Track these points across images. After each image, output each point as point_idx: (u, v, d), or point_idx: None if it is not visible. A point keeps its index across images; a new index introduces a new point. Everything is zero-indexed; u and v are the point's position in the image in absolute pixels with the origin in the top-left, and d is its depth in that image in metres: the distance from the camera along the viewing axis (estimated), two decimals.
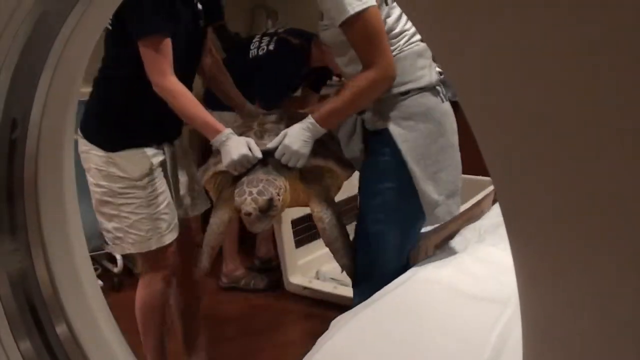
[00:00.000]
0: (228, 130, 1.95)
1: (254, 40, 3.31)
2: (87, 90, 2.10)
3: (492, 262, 2.04)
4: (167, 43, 1.94)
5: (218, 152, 1.99)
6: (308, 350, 1.70)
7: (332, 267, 3.36)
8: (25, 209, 1.42)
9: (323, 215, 2.00)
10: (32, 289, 1.43)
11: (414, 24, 1.17)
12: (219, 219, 2.03)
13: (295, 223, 3.35)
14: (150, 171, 2.11)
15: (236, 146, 1.90)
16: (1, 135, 1.35)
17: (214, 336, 2.83)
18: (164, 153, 2.19)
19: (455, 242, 2.31)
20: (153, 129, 2.15)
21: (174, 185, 2.27)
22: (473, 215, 2.68)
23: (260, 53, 3.24)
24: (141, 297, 2.23)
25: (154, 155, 2.14)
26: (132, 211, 2.09)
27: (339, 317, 1.84)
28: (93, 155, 2.07)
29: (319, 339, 1.75)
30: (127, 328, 1.87)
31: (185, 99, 1.98)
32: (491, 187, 3.61)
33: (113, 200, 2.08)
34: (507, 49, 0.61)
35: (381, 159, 1.91)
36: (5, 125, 1.35)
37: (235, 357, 2.84)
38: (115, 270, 3.34)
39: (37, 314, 1.42)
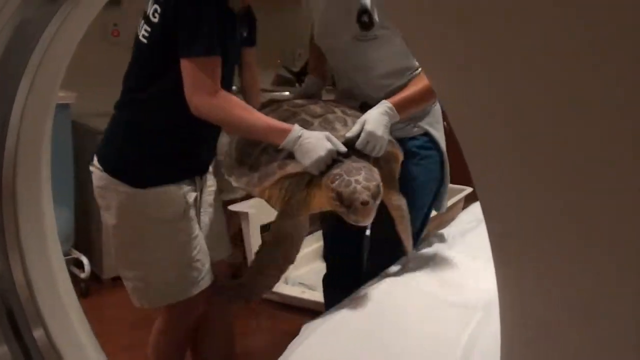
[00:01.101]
0: (297, 127, 1.77)
1: None
2: (63, 94, 1.99)
3: (460, 268, 2.10)
4: (219, 64, 1.76)
5: (275, 151, 1.80)
6: (278, 356, 1.72)
7: (301, 272, 3.41)
8: (3, 212, 1.44)
9: (400, 203, 1.95)
10: (9, 293, 1.45)
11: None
12: (298, 227, 1.84)
13: (263, 229, 3.38)
14: (185, 211, 1.87)
15: (318, 142, 1.74)
16: None
17: None
18: (196, 189, 1.94)
19: (423, 246, 2.37)
20: (190, 159, 1.93)
21: (215, 229, 2.04)
22: (444, 220, 2.76)
23: None
24: (157, 342, 2.01)
25: (188, 192, 1.89)
26: (161, 257, 1.84)
27: (311, 322, 1.85)
28: (116, 192, 1.80)
29: (291, 343, 1.76)
30: (96, 333, 1.78)
31: (240, 108, 1.77)
32: (462, 195, 3.72)
33: (138, 244, 1.84)
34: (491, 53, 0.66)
35: (429, 160, 2.12)
36: None
37: None
38: (82, 276, 3.33)
39: (14, 318, 1.44)
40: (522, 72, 0.63)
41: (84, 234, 3.44)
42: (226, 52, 1.78)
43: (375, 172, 1.72)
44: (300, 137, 1.74)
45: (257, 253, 1.85)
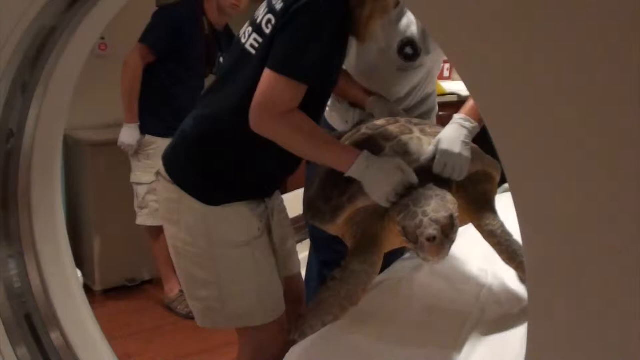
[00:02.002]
0: (366, 154, 1.61)
1: None
2: None
3: (449, 271, 2.08)
4: (304, 91, 1.58)
5: (346, 182, 1.66)
6: None
7: None
8: (19, 217, 1.47)
9: (493, 228, 1.70)
10: (26, 297, 1.48)
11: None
12: (368, 265, 1.64)
13: None
14: (258, 232, 1.75)
15: (386, 172, 1.59)
16: None
17: None
18: (267, 208, 1.81)
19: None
20: (268, 177, 1.80)
21: (281, 247, 1.91)
22: None
23: None
24: None
25: (261, 213, 1.77)
26: (235, 280, 1.70)
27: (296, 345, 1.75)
28: (187, 207, 1.68)
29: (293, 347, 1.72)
30: None
31: (310, 130, 1.62)
32: None
33: (210, 264, 1.69)
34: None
35: None
36: (1, 136, 1.40)
37: None
38: None
39: (32, 321, 1.47)
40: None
41: (76, 245, 3.45)
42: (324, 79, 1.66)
43: (450, 201, 1.53)
44: (367, 166, 1.60)
45: (322, 288, 1.70)
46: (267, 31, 1.59)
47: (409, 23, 2.00)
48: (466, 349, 1.60)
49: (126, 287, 3.85)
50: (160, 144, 3.14)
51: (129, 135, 3.15)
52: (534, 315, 0.87)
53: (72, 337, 1.50)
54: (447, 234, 1.46)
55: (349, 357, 1.63)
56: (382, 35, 1.98)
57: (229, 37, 3.41)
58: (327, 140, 1.63)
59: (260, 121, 1.55)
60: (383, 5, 1.59)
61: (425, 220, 1.45)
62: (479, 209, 1.70)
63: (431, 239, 1.43)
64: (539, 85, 0.75)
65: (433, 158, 1.63)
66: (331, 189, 1.69)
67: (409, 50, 1.98)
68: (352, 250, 1.68)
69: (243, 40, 1.65)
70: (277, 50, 1.56)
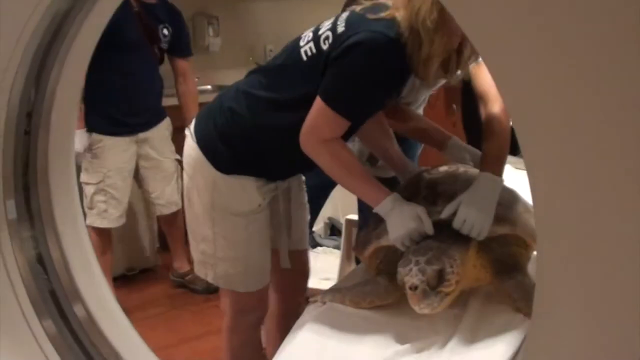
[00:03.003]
0: (394, 196, 1.72)
1: None
2: None
3: None
4: (347, 125, 1.72)
5: (379, 220, 1.76)
6: None
7: None
8: (40, 198, 1.55)
9: (510, 291, 1.69)
10: (49, 273, 1.56)
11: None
12: (376, 296, 1.76)
13: None
14: (258, 209, 1.90)
15: (404, 218, 1.68)
16: (17, 129, 1.48)
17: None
18: (276, 188, 1.96)
19: None
20: (279, 167, 1.93)
21: (285, 221, 2.07)
22: None
23: None
24: (230, 342, 2.06)
25: (266, 191, 1.91)
26: (226, 245, 1.87)
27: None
28: (201, 167, 1.84)
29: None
30: None
31: (345, 161, 1.75)
32: None
33: (209, 223, 1.87)
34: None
35: None
36: (20, 119, 1.48)
37: None
38: None
39: (56, 296, 1.55)
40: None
41: None
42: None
43: (450, 256, 1.58)
44: (392, 208, 1.69)
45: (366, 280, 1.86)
46: (323, 47, 1.70)
47: None
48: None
49: (126, 276, 3.94)
50: (107, 143, 3.11)
51: (77, 142, 2.85)
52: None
53: (93, 309, 1.58)
54: (433, 286, 1.53)
55: (360, 324, 1.78)
56: None
57: (165, 4, 3.34)
58: (362, 174, 1.74)
59: (306, 142, 1.69)
60: (441, 47, 1.64)
61: (414, 269, 1.53)
62: (502, 269, 1.70)
63: (412, 287, 1.51)
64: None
65: (455, 213, 1.65)
66: (374, 222, 1.80)
67: None
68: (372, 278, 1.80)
69: (301, 43, 1.76)
70: (329, 81, 1.67)
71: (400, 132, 2.16)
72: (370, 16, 1.67)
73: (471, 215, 1.63)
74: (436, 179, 1.86)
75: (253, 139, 1.84)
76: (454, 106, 2.55)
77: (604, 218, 0.85)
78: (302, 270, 2.19)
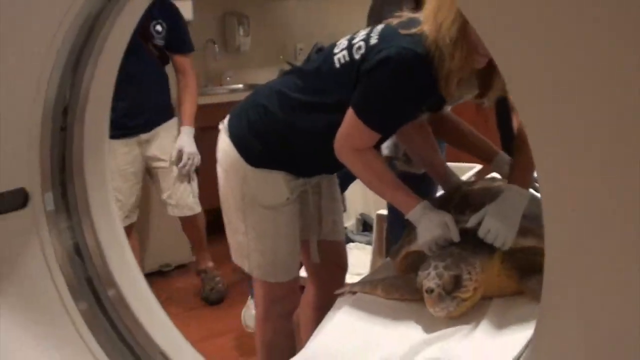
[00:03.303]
0: (424, 204, 1.81)
1: None
2: None
3: None
4: (378, 137, 1.82)
5: (413, 229, 1.85)
6: None
7: None
8: (76, 190, 1.65)
9: (537, 289, 1.69)
10: (85, 260, 1.66)
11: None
12: (407, 290, 1.86)
13: None
14: (287, 202, 1.98)
15: (432, 224, 1.76)
16: (54, 125, 1.58)
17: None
18: (305, 183, 2.05)
19: None
20: (309, 164, 2.02)
21: (315, 213, 2.16)
22: None
23: None
24: (262, 331, 2.17)
25: (295, 186, 2.00)
26: (255, 237, 1.99)
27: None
28: (233, 160, 1.96)
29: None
30: None
31: (376, 170, 1.84)
32: (473, 171, 3.92)
33: (240, 215, 1.98)
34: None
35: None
36: (57, 116, 1.58)
37: None
38: None
39: (92, 281, 1.66)
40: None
41: None
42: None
43: (469, 263, 1.66)
44: (422, 215, 1.78)
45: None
46: (356, 56, 1.79)
47: None
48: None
49: (161, 272, 4.06)
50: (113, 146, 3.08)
51: None
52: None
53: (127, 294, 1.68)
54: (449, 290, 1.62)
55: (390, 313, 1.86)
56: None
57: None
58: (393, 183, 1.84)
59: (340, 149, 1.80)
60: (460, 63, 1.69)
61: (432, 273, 1.63)
62: (526, 273, 1.73)
63: (428, 290, 1.61)
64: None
65: (480, 222, 1.73)
66: (408, 230, 1.92)
67: None
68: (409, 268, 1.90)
69: (335, 50, 1.86)
70: (361, 93, 1.77)
71: (448, 142, 2.27)
72: (403, 31, 1.74)
73: (495, 226, 1.69)
74: (470, 190, 1.96)
75: (284, 137, 1.94)
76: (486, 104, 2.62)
77: (612, 213, 0.89)
78: (337, 262, 2.30)
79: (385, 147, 2.58)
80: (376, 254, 3.12)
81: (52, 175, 1.61)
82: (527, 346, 1.32)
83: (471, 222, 1.75)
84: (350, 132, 1.80)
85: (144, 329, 1.68)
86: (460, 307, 1.67)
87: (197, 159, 3.39)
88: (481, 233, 1.71)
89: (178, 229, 3.78)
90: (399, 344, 1.70)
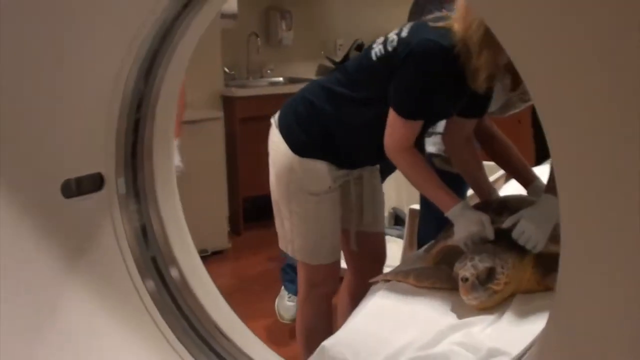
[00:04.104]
0: (463, 203, 1.97)
1: None
2: None
3: None
4: (418, 126, 1.98)
5: (451, 226, 1.99)
6: None
7: None
8: (145, 176, 1.84)
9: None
10: (150, 242, 1.85)
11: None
12: (438, 279, 2.01)
13: None
14: (329, 190, 2.14)
15: (469, 222, 1.90)
16: (129, 117, 1.77)
17: None
18: (348, 174, 2.22)
19: None
20: (350, 155, 2.17)
21: (357, 204, 2.32)
22: None
23: None
24: (303, 312, 2.34)
25: (338, 176, 2.16)
26: (300, 223, 2.16)
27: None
28: (280, 150, 2.13)
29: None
30: None
31: (420, 170, 2.01)
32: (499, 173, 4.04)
33: (286, 202, 2.15)
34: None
35: None
36: (132, 109, 1.77)
37: None
38: None
39: (156, 261, 1.84)
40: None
41: None
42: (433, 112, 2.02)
43: (502, 259, 1.79)
44: (461, 213, 1.93)
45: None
46: (389, 49, 1.97)
47: None
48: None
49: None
50: None
51: None
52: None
53: (187, 274, 1.87)
54: (482, 281, 1.77)
55: (420, 300, 2.02)
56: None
57: None
58: (436, 182, 2.00)
59: (388, 149, 1.98)
60: (488, 61, 1.84)
61: (468, 264, 1.78)
62: (552, 272, 1.79)
63: (463, 279, 1.76)
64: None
65: (515, 224, 1.86)
66: (448, 227, 2.05)
67: (528, 96, 2.26)
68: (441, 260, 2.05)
69: (374, 46, 2.04)
70: (393, 89, 1.95)
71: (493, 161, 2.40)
72: (431, 24, 1.91)
73: (529, 229, 1.82)
74: (508, 198, 2.13)
75: (327, 129, 2.10)
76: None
77: (627, 213, 0.98)
78: (376, 252, 2.45)
79: (432, 145, 2.75)
80: (407, 247, 3.21)
81: (125, 162, 1.79)
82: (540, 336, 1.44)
83: (507, 222, 1.88)
84: (394, 129, 1.97)
85: (201, 305, 1.86)
86: (491, 299, 1.82)
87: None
88: (515, 234, 1.85)
89: (214, 215, 3.94)
90: (427, 328, 1.86)
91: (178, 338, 1.77)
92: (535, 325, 1.66)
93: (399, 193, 4.12)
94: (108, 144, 1.73)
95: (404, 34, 1.96)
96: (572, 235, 1.10)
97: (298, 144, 2.10)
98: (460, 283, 1.78)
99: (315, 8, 5.29)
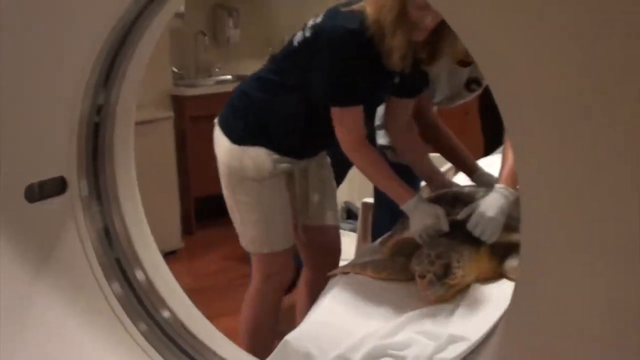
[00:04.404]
0: (418, 197, 2.00)
1: None
2: None
3: None
4: (359, 111, 2.01)
5: (406, 219, 2.03)
6: None
7: None
8: (106, 179, 1.85)
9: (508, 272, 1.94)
10: (114, 243, 1.86)
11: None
12: (393, 270, 2.07)
13: None
14: (270, 175, 2.16)
15: (424, 215, 1.94)
16: (90, 120, 1.78)
17: None
18: (290, 162, 2.22)
19: None
20: (288, 146, 2.18)
21: (301, 198, 2.34)
22: None
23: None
24: (252, 314, 2.31)
25: (278, 160, 2.17)
26: (245, 209, 2.18)
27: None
28: (220, 141, 2.18)
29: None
30: None
31: (375, 164, 2.06)
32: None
33: (231, 193, 2.18)
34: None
35: None
36: (93, 112, 1.78)
37: None
38: None
39: (121, 262, 1.86)
40: None
41: None
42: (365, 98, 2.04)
43: (458, 253, 1.84)
44: (415, 207, 1.96)
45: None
46: (307, 34, 2.04)
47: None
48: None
49: None
50: None
51: None
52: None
53: (152, 275, 1.88)
54: (439, 277, 1.82)
55: (379, 293, 2.07)
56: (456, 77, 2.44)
57: None
58: (391, 176, 2.04)
59: (342, 143, 2.03)
60: (402, 41, 1.90)
61: (425, 260, 1.83)
62: (506, 260, 1.93)
63: (421, 276, 1.83)
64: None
65: (470, 216, 1.91)
66: (403, 219, 2.10)
67: (474, 85, 2.48)
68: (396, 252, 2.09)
69: (297, 33, 2.10)
70: (318, 82, 2.01)
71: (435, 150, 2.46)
72: (343, 9, 1.97)
73: (484, 220, 1.88)
74: (462, 190, 2.16)
75: (263, 118, 2.14)
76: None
77: (585, 199, 1.05)
78: (328, 245, 2.46)
79: (383, 137, 2.81)
80: (361, 240, 3.25)
81: (87, 165, 1.81)
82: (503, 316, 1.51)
83: (462, 214, 1.94)
84: (336, 121, 2.02)
85: (168, 306, 1.89)
86: (448, 292, 1.89)
87: None
88: (470, 226, 1.91)
89: (167, 217, 3.93)
90: (387, 318, 1.92)
91: (146, 339, 1.79)
92: (492, 312, 1.74)
93: (351, 187, 4.15)
94: (70, 148, 1.74)
95: (319, 19, 2.03)
96: (532, 222, 1.16)
97: (236, 134, 2.14)
98: (418, 280, 1.84)
99: (262, 5, 5.30)
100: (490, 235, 1.89)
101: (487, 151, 4.10)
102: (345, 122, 2.01)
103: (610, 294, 1.07)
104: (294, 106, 2.11)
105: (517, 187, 2.02)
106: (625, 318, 1.07)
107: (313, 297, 2.35)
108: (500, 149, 3.33)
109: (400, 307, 2.00)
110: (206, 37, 5.05)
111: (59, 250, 1.73)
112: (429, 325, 1.87)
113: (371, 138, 2.52)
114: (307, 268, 2.54)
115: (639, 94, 0.96)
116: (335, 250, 2.52)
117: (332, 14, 2.01)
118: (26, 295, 1.64)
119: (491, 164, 3.17)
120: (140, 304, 1.85)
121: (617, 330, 1.08)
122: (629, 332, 1.07)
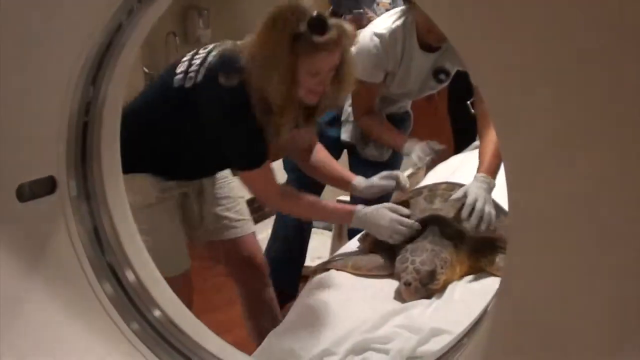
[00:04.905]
0: (358, 210, 2.04)
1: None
2: None
3: None
4: (268, 166, 2.05)
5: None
6: None
7: None
8: (95, 181, 1.87)
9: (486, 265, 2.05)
10: (104, 244, 1.88)
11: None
12: (374, 266, 2.17)
13: None
14: (157, 200, 2.20)
15: (376, 220, 1.99)
16: (77, 120, 1.80)
17: None
18: (180, 186, 2.27)
19: None
20: (178, 172, 2.23)
21: (199, 213, 2.37)
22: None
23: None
24: None
25: (165, 187, 2.22)
26: (144, 238, 2.07)
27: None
28: None
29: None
30: None
31: (305, 208, 2.10)
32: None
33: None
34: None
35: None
36: (81, 111, 1.79)
37: None
38: None
39: (111, 264, 1.87)
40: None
41: None
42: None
43: (441, 259, 1.91)
44: (365, 220, 2.01)
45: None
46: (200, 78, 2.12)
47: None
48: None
49: None
50: None
51: None
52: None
53: (142, 276, 1.90)
54: (425, 283, 1.89)
55: (359, 288, 2.13)
56: (422, 66, 2.48)
57: None
58: (324, 207, 2.11)
59: (267, 204, 2.20)
60: (290, 117, 1.94)
61: (410, 267, 1.89)
62: (484, 255, 2.01)
63: (407, 283, 1.88)
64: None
65: (460, 206, 1.98)
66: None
67: (442, 76, 2.53)
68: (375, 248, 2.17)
69: (176, 71, 2.23)
70: (229, 155, 2.08)
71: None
72: (224, 82, 2.03)
73: (477, 210, 1.94)
74: (438, 184, 2.25)
75: (145, 142, 2.19)
76: (435, 94, 2.93)
77: (573, 187, 1.08)
78: (245, 258, 2.47)
79: (344, 132, 2.85)
80: (336, 239, 3.32)
81: (76, 165, 1.82)
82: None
83: (458, 193, 2.02)
84: (257, 189, 2.09)
85: (158, 305, 1.91)
86: (428, 293, 1.99)
87: None
88: (464, 214, 1.97)
89: None
90: (369, 313, 1.99)
91: (139, 338, 1.81)
92: (472, 305, 1.79)
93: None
94: (59, 147, 1.75)
95: (209, 62, 2.19)
96: (519, 212, 1.20)
97: (123, 163, 2.04)
98: (403, 287, 1.93)
99: (232, 5, 5.32)
100: (485, 225, 1.95)
101: (458, 148, 4.18)
102: (259, 184, 2.06)
103: (598, 287, 1.12)
104: (166, 126, 2.15)
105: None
106: (612, 311, 1.11)
107: (252, 309, 2.47)
108: (471, 146, 3.41)
109: (381, 302, 2.06)
110: (177, 38, 5.05)
111: (50, 251, 1.74)
112: (410, 319, 1.93)
113: (321, 134, 2.60)
114: (236, 284, 2.54)
115: (631, 90, 1.00)
116: (252, 260, 2.50)
117: (214, 82, 2.04)
118: (19, 296, 1.65)
119: (463, 160, 3.26)
120: (132, 303, 1.87)
121: (604, 323, 1.12)
122: (615, 326, 1.11)
